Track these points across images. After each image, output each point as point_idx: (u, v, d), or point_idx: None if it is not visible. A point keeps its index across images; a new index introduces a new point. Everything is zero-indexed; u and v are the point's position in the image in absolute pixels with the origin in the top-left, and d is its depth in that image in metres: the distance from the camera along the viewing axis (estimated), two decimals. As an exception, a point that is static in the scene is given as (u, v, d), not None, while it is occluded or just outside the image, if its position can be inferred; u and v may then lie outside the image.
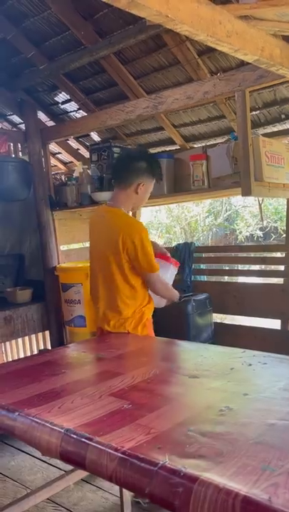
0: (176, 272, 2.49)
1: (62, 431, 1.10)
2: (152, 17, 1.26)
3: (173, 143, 3.28)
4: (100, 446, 1.01)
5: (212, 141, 3.09)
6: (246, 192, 2.30)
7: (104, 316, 2.21)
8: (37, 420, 1.18)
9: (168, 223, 11.01)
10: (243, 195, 2.36)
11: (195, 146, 3.18)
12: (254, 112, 2.74)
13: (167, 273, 2.39)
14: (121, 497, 2.01)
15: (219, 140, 3.03)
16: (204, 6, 1.36)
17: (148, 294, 2.24)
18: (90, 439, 1.04)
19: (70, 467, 2.17)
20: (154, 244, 2.32)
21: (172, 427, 1.09)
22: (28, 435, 1.18)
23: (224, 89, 2.35)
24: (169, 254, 2.45)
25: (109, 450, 0.98)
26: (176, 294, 2.35)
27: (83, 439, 1.05)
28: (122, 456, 0.96)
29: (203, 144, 3.09)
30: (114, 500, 2.25)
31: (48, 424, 1.15)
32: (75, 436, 1.07)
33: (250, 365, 1.53)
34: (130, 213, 2.40)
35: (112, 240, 2.12)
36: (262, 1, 1.50)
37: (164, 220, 11.11)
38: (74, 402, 1.28)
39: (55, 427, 1.13)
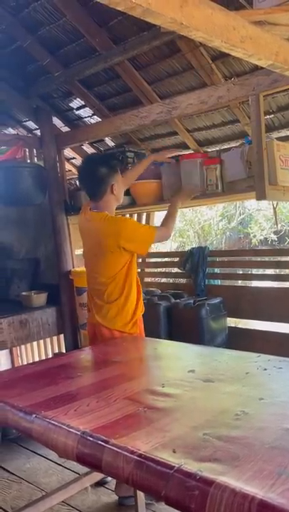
0: None
1: (79, 433, 1.12)
2: (167, 24, 1.27)
3: (187, 147, 3.28)
4: (116, 449, 1.02)
5: (226, 146, 3.08)
6: (260, 196, 2.29)
7: (96, 313, 2.30)
8: (54, 422, 1.20)
9: (181, 227, 10.99)
10: (257, 199, 2.36)
11: (209, 150, 3.18)
12: (268, 116, 2.73)
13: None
14: (135, 500, 2.01)
15: (233, 144, 3.03)
16: (218, 12, 1.37)
17: (136, 291, 2.29)
18: (107, 442, 1.05)
19: (84, 470, 2.18)
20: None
21: (187, 431, 1.10)
22: (45, 437, 1.20)
23: (238, 93, 2.35)
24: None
25: (126, 453, 0.99)
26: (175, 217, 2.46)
27: (99, 442, 1.06)
28: (138, 458, 0.97)
29: (217, 148, 3.10)
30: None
31: (64, 427, 1.17)
32: (91, 439, 1.08)
33: (265, 369, 1.52)
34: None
35: (99, 240, 2.21)
36: (276, 7, 1.50)
37: (177, 224, 11.09)
38: (90, 405, 1.30)
39: (71, 430, 1.14)
